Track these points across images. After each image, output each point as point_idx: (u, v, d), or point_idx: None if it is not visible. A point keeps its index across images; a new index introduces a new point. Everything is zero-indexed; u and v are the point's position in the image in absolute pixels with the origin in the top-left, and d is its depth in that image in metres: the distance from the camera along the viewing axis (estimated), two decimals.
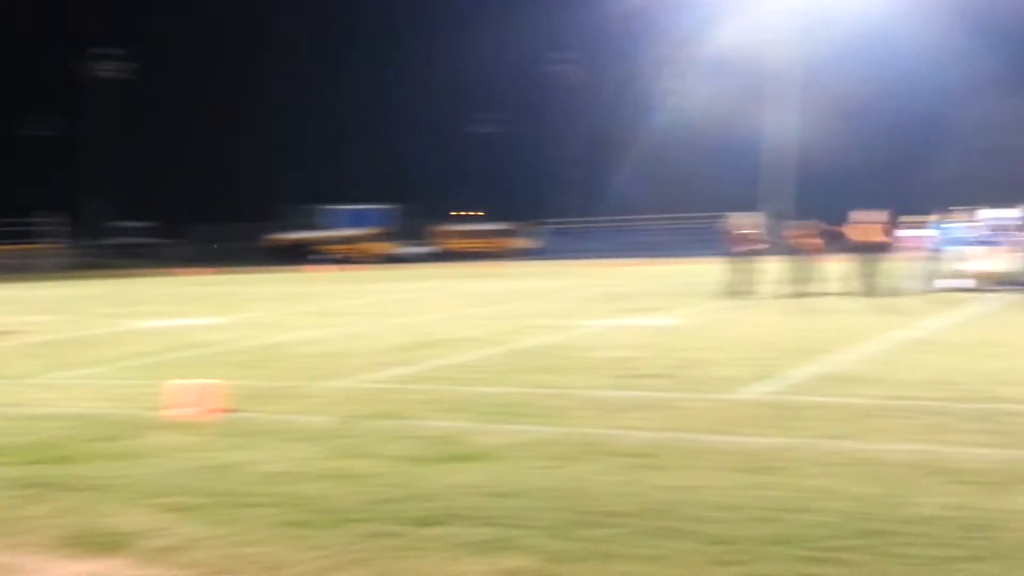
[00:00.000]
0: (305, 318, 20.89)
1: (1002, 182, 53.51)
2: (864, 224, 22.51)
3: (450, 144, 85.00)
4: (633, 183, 75.20)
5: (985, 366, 10.96)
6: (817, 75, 59.81)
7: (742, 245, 23.04)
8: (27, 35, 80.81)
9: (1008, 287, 21.33)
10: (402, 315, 20.95)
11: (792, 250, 23.43)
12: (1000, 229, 22.60)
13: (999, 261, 22.21)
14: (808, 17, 58.32)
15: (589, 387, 10.36)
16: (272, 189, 75.70)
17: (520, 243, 67.02)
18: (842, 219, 23.29)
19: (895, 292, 21.64)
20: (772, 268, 23.45)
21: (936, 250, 23.09)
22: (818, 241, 23.16)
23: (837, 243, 23.34)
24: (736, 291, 22.36)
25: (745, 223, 23.70)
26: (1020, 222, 22.53)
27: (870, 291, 21.62)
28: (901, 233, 23.37)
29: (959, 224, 23.25)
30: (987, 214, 23.73)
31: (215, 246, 67.59)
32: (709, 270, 25.78)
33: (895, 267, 22.91)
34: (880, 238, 22.31)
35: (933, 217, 23.83)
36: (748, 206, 42.36)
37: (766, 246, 24.22)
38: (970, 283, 22.05)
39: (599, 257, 51.87)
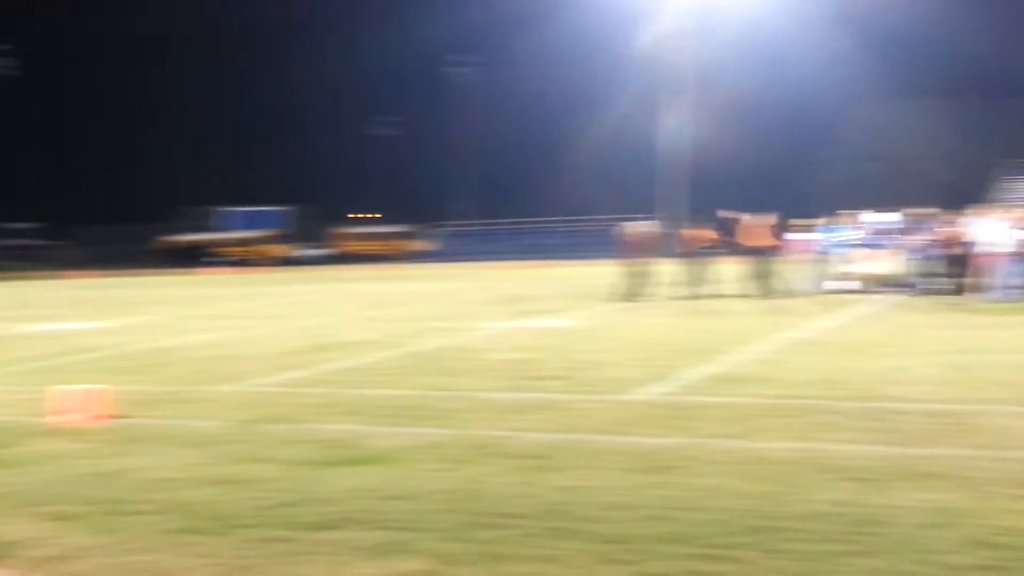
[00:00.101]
0: (198, 321, 20.53)
1: (887, 186, 55.15)
2: (754, 227, 22.94)
3: (348, 145, 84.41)
4: (531, 185, 75.61)
5: (872, 365, 11.23)
6: (710, 79, 60.79)
7: (637, 248, 23.28)
8: None
9: (892, 289, 21.92)
10: (298, 318, 20.73)
11: (686, 252, 23.76)
12: (883, 232, 23.21)
13: (883, 263, 22.81)
14: (701, 20, 59.24)
15: (485, 389, 10.36)
16: (166, 190, 74.29)
17: (418, 245, 66.91)
18: (732, 223, 23.69)
19: (786, 294, 22.09)
20: (666, 270, 23.74)
21: (824, 252, 23.63)
22: (710, 241, 23.51)
23: (729, 245, 23.75)
24: (632, 293, 22.60)
25: (640, 227, 23.95)
26: (902, 225, 23.16)
27: (762, 293, 22.04)
28: (791, 236, 23.86)
29: (845, 227, 23.82)
30: (870, 218, 24.36)
31: (100, 247, 66.01)
32: (606, 272, 26.01)
33: (786, 269, 23.39)
34: (770, 241, 22.74)
35: (821, 220, 24.38)
36: (645, 208, 42.98)
37: (660, 248, 24.53)
38: (856, 285, 22.61)
39: (497, 259, 52.04)
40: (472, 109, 79.15)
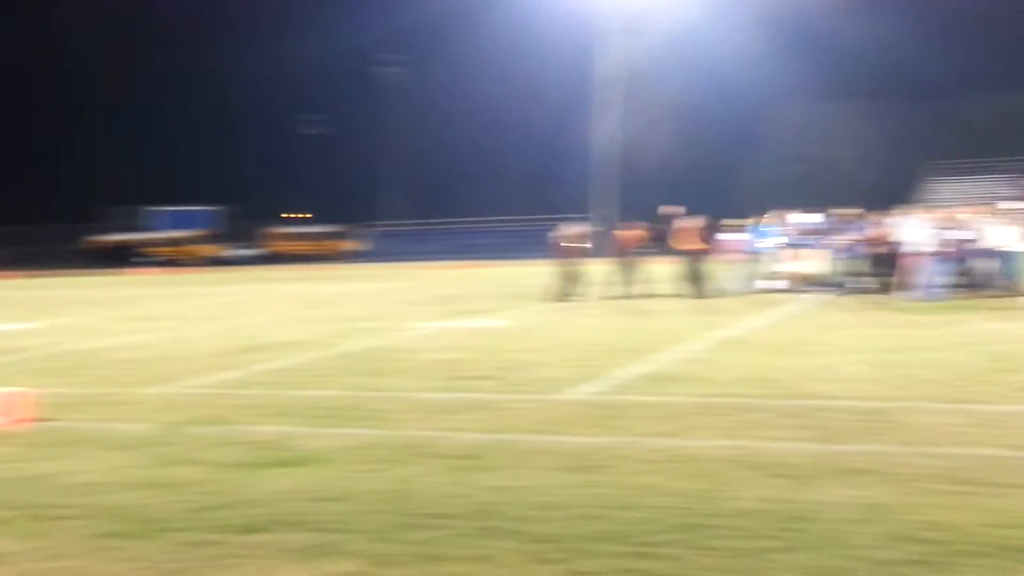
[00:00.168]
0: (125, 323, 20.23)
1: (813, 187, 55.89)
2: (685, 229, 23.13)
3: (279, 145, 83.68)
4: (464, 185, 75.55)
5: (799, 364, 11.38)
6: (640, 80, 61.21)
7: (570, 248, 23.37)
8: None
9: (819, 288, 22.23)
10: (228, 319, 20.51)
11: (618, 252, 23.89)
12: (809, 232, 23.54)
13: (810, 263, 23.13)
14: (630, 22, 59.61)
15: (417, 389, 10.34)
16: (94, 189, 73.00)
17: (350, 245, 66.52)
18: (666, 222, 23.87)
19: (716, 293, 22.30)
20: (599, 270, 23.86)
21: (754, 252, 23.89)
22: (643, 241, 23.66)
23: (661, 244, 23.93)
24: (565, 293, 22.67)
25: (573, 228, 24.04)
26: (827, 226, 23.49)
27: (693, 292, 22.23)
28: (721, 236, 24.09)
29: (773, 227, 24.11)
30: (797, 218, 24.70)
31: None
32: (539, 272, 26.08)
33: (716, 269, 23.62)
34: (699, 244, 22.95)
35: (751, 220, 24.64)
36: (579, 208, 43.16)
37: (592, 248, 24.64)
38: (784, 284, 22.90)
39: (429, 259, 51.93)
40: (404, 108, 78.89)
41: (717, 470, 6.65)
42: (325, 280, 37.61)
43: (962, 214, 21.17)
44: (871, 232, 21.83)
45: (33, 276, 47.90)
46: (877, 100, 66.69)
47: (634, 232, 23.97)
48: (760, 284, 23.24)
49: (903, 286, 20.19)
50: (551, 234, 24.36)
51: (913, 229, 20.39)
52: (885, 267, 21.27)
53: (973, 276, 20.38)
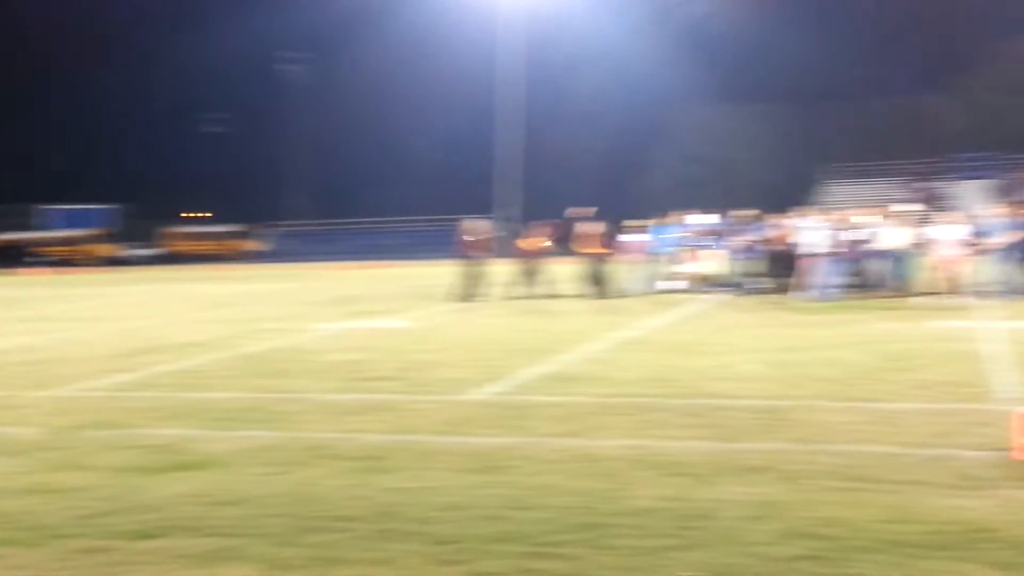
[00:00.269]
0: (17, 324, 19.68)
1: (713, 188, 56.81)
2: (586, 233, 23.30)
3: (178, 143, 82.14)
4: (368, 185, 75.10)
5: (698, 363, 11.53)
6: (542, 80, 61.54)
7: (473, 248, 23.37)
8: None
9: (718, 288, 22.57)
10: (124, 319, 20.08)
11: (521, 253, 23.97)
12: (708, 233, 23.88)
13: (708, 264, 23.46)
14: (532, 23, 59.88)
15: (318, 391, 10.24)
16: None
17: (251, 245, 65.73)
18: (569, 223, 24.04)
19: (618, 294, 22.50)
20: (503, 270, 23.91)
21: (654, 253, 24.15)
22: (547, 242, 23.79)
23: (564, 245, 24.07)
24: (467, 293, 22.66)
25: (477, 227, 24.05)
26: (726, 227, 23.85)
27: (594, 293, 22.39)
28: (623, 237, 24.30)
29: (673, 228, 24.40)
30: (695, 219, 25.04)
31: None
32: (441, 272, 26.04)
33: (618, 270, 23.84)
34: (601, 248, 23.14)
35: (651, 221, 24.90)
36: (484, 208, 43.23)
37: (497, 248, 24.69)
38: (683, 285, 23.20)
39: (331, 260, 51.55)
40: (306, 107, 78.18)
41: (618, 469, 6.71)
42: (226, 280, 37.06)
43: (856, 216, 21.66)
44: (771, 233, 22.21)
45: None
46: (775, 103, 67.99)
47: (537, 232, 24.07)
48: (660, 285, 23.51)
49: (799, 287, 20.60)
50: (456, 230, 24.37)
51: (810, 230, 20.81)
52: (782, 267, 21.67)
53: (867, 277, 20.88)
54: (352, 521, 5.66)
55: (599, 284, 22.65)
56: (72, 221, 65.50)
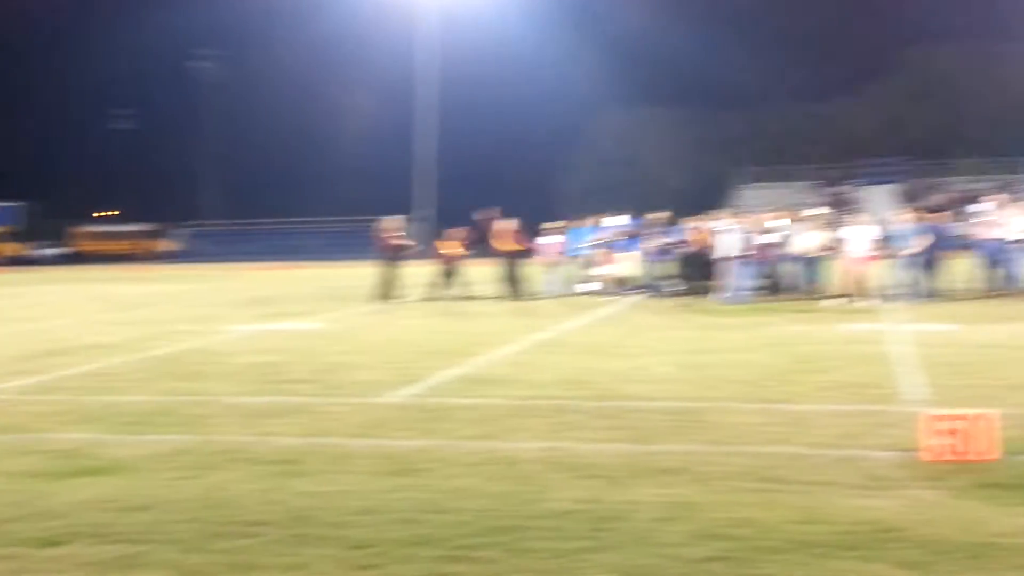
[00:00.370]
0: None
1: (630, 191, 57.34)
2: (502, 230, 23.37)
3: (90, 140, 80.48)
4: (285, 184, 74.39)
5: (613, 365, 11.60)
6: (458, 82, 61.54)
7: (390, 249, 23.27)
8: None
9: (633, 291, 22.75)
10: (30, 320, 19.63)
11: (439, 254, 23.93)
12: (623, 236, 24.05)
13: (623, 266, 23.64)
14: (450, 23, 59.87)
15: (232, 393, 10.10)
16: None
17: (164, 245, 64.77)
18: (485, 225, 24.08)
19: (534, 295, 22.58)
20: (419, 272, 23.84)
21: (571, 255, 24.28)
22: (464, 245, 23.78)
23: (482, 247, 24.10)
24: (384, 295, 22.56)
25: (393, 227, 23.95)
26: (641, 229, 24.04)
27: (511, 295, 22.44)
28: (539, 239, 24.40)
29: (589, 231, 24.55)
30: (610, 221, 25.24)
31: None
32: (358, 274, 25.90)
33: (534, 271, 23.92)
34: (517, 244, 23.21)
35: (567, 224, 25.04)
36: (402, 209, 43.05)
37: (413, 250, 24.61)
38: (599, 287, 23.35)
39: (248, 260, 51.01)
40: (221, 104, 77.17)
41: (533, 472, 6.72)
42: (137, 281, 36.43)
43: (768, 219, 21.99)
44: (691, 235, 22.43)
45: None
46: (689, 107, 68.87)
47: (455, 234, 24.05)
48: (576, 287, 23.64)
49: (713, 289, 20.85)
50: (372, 229, 24.27)
51: (723, 233, 21.06)
52: (695, 270, 21.93)
53: (778, 280, 21.21)
54: (265, 526, 5.58)
55: (515, 285, 22.71)
56: None
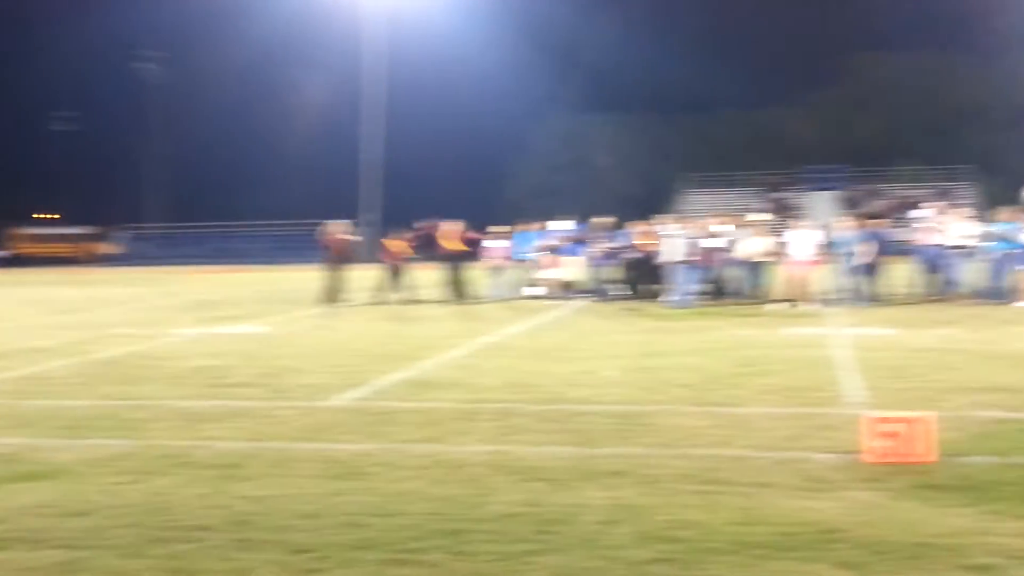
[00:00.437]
0: None
1: (577, 195, 57.58)
2: (447, 233, 23.38)
3: (30, 142, 79.22)
4: (230, 187, 73.74)
5: (559, 369, 11.63)
6: (406, 85, 61.44)
7: (336, 252, 23.16)
8: None
9: (578, 295, 22.83)
10: None
11: (385, 258, 23.87)
12: (568, 240, 24.15)
13: (569, 270, 23.72)
14: (396, 27, 59.75)
15: (174, 397, 10.00)
16: None
17: (105, 248, 63.94)
18: (430, 229, 24.08)
19: (479, 299, 22.58)
20: (365, 275, 23.75)
21: (516, 259, 24.32)
22: (409, 248, 23.74)
23: (427, 251, 24.07)
24: (329, 298, 22.45)
25: (339, 230, 23.84)
26: (586, 234, 24.15)
27: (456, 298, 22.43)
28: (486, 243, 24.41)
29: (535, 235, 24.62)
30: (556, 226, 25.32)
31: None
32: (303, 277, 25.74)
33: (480, 275, 23.93)
34: (462, 247, 23.23)
35: (514, 228, 25.08)
36: (349, 213, 42.91)
37: (358, 253, 24.52)
38: (544, 291, 23.41)
39: (188, 264, 50.53)
40: (164, 106, 76.31)
41: (478, 475, 6.71)
42: (77, 284, 35.94)
43: (714, 225, 22.16)
44: (639, 239, 22.52)
45: None
46: (635, 113, 69.30)
47: (400, 238, 24.00)
48: (522, 290, 23.67)
49: (659, 293, 20.97)
50: (317, 232, 24.15)
51: (670, 238, 21.19)
52: (640, 274, 22.04)
53: (723, 284, 21.39)
54: (207, 531, 5.53)
55: (460, 289, 22.70)
56: None
